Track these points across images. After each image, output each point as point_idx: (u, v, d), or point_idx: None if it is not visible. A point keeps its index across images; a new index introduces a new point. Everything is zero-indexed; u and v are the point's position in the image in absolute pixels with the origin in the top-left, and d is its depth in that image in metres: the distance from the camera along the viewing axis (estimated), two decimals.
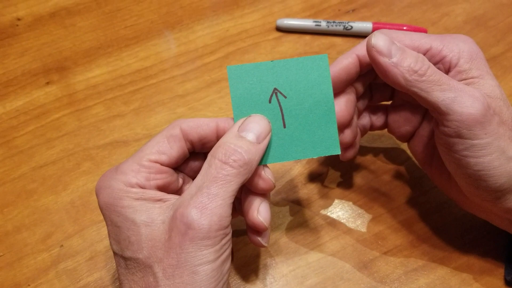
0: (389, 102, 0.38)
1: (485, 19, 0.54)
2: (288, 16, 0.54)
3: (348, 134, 0.35)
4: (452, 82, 0.29)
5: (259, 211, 0.30)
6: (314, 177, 0.42)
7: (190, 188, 0.27)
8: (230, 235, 0.28)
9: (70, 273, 0.37)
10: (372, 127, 0.38)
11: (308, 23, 0.52)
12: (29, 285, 0.36)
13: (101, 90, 0.48)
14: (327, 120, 0.31)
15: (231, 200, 0.27)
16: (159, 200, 0.28)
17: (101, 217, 0.39)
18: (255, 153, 0.28)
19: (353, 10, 0.54)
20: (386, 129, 0.39)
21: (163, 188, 0.30)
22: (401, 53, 0.29)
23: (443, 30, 0.52)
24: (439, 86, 0.29)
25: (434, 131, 0.32)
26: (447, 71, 0.32)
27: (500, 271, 0.36)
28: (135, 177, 0.28)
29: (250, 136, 0.29)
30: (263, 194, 0.31)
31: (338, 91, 0.34)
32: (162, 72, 0.49)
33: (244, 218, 0.31)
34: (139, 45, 0.52)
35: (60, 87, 0.48)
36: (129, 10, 0.55)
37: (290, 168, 0.42)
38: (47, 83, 0.48)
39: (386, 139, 0.44)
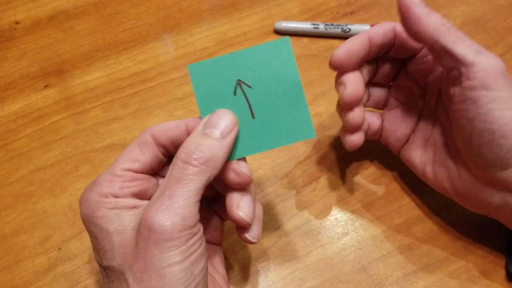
0: (382, 111, 0.39)
1: (483, 21, 0.54)
2: (286, 19, 0.54)
3: (357, 113, 0.35)
4: (473, 41, 0.31)
5: (239, 207, 0.29)
6: (312, 179, 0.42)
7: (156, 192, 0.27)
8: (199, 235, 0.27)
9: (68, 276, 0.37)
10: (367, 133, 0.39)
11: (306, 25, 0.52)
12: None
13: (99, 93, 0.48)
14: (297, 104, 0.30)
15: (196, 199, 0.27)
16: (133, 207, 0.28)
17: None
18: (219, 148, 0.28)
19: (351, 13, 0.54)
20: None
21: (139, 195, 0.30)
22: (429, 8, 0.31)
23: None
24: (464, 40, 0.30)
25: (453, 94, 0.32)
26: None
27: (500, 273, 0.36)
28: (109, 187, 0.28)
29: (215, 132, 0.28)
30: (242, 189, 0.30)
31: (349, 69, 0.34)
32: (160, 75, 0.49)
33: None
34: (137, 48, 0.52)
35: (58, 90, 0.48)
36: (128, 14, 0.55)
37: (288, 171, 0.42)
38: (46, 86, 0.48)
39: None
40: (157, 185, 0.31)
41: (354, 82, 0.34)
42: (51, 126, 0.45)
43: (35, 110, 0.46)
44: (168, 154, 0.31)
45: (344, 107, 0.35)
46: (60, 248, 0.38)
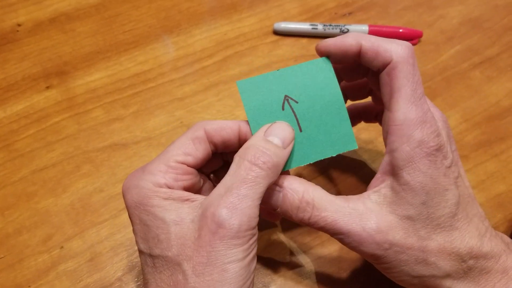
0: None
1: (480, 21, 0.54)
2: (285, 19, 0.55)
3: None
4: (339, 224, 0.29)
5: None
6: (313, 176, 0.42)
7: (219, 188, 0.28)
8: (256, 236, 0.28)
9: (70, 274, 0.37)
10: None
11: (305, 26, 0.52)
12: (29, 286, 0.37)
13: (100, 94, 0.48)
14: (340, 118, 0.31)
15: (259, 202, 0.27)
16: (187, 199, 0.29)
17: (101, 219, 0.40)
18: (282, 156, 0.29)
19: (349, 13, 0.55)
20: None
21: (188, 189, 0.30)
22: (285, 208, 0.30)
23: (438, 32, 0.53)
24: (324, 231, 0.30)
25: None
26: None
27: None
28: (163, 178, 0.29)
29: (276, 140, 0.29)
30: None
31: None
32: (160, 75, 0.50)
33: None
34: (137, 49, 0.52)
35: (60, 91, 0.48)
36: (128, 15, 0.55)
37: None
38: (47, 87, 0.49)
39: None
40: (200, 181, 0.32)
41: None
42: (53, 126, 0.46)
43: (37, 111, 0.47)
44: (215, 151, 0.32)
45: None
46: (62, 247, 0.38)
